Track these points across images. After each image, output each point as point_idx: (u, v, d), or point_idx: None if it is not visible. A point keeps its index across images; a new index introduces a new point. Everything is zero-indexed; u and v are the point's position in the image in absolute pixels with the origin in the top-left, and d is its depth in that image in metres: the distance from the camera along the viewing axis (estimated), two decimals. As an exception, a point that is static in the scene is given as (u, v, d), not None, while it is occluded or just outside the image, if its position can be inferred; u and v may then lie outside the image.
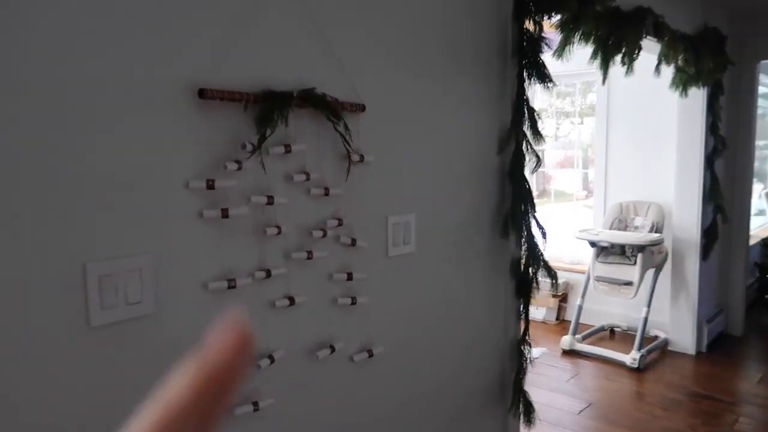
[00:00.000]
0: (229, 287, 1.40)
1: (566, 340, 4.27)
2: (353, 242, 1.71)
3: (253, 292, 1.48)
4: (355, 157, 1.69)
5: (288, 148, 1.51)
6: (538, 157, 2.31)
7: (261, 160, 1.42)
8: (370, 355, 1.79)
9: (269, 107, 1.44)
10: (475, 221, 2.22)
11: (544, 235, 2.33)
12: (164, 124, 1.29)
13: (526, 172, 2.32)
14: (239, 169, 1.39)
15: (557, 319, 5.04)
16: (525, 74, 2.18)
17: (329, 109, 1.58)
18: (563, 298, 5.08)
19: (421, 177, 1.97)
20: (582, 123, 6.12)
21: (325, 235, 1.61)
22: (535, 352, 4.07)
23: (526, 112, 2.22)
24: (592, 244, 4.14)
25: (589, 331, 4.49)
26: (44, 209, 1.12)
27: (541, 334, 4.64)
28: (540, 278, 2.37)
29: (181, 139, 1.32)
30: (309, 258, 1.58)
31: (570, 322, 4.40)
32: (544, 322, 5.00)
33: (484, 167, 2.24)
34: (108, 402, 1.22)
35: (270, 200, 1.47)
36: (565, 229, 4.79)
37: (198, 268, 1.37)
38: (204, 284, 1.37)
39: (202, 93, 1.32)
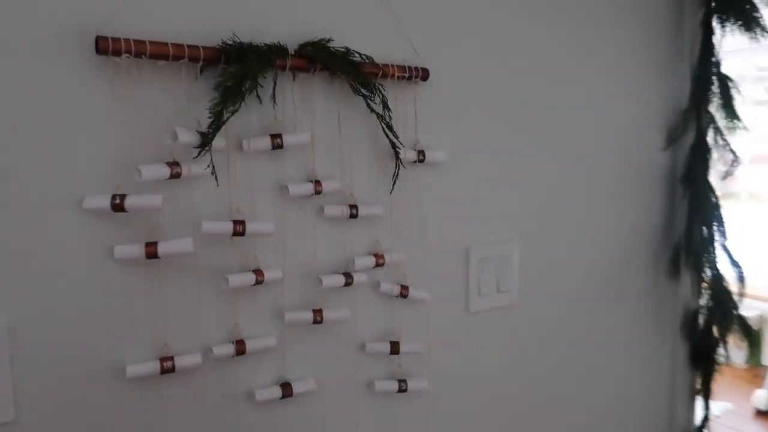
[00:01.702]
0: (164, 371, 0.83)
1: (762, 396, 3.20)
2: (404, 292, 1.05)
3: (211, 381, 0.90)
4: (409, 155, 1.04)
5: (277, 141, 0.90)
6: (733, 153, 1.46)
7: (211, 162, 0.83)
8: (434, 469, 1.13)
9: (239, 72, 0.84)
10: (624, 254, 1.44)
11: (740, 276, 1.48)
12: (35, 101, 0.74)
13: (712, 178, 1.48)
14: (175, 176, 0.81)
15: (750, 361, 3.88)
16: (715, 19, 1.35)
17: (355, 75, 0.95)
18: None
19: (531, 186, 1.25)
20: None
21: (349, 282, 0.98)
22: (716, 407, 3.07)
23: (715, 81, 1.38)
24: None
25: (795, 385, 3.34)
26: None
27: (726, 382, 3.55)
28: (730, 342, 1.52)
29: (67, 127, 0.77)
30: (317, 321, 0.96)
31: (768, 370, 3.30)
32: (728, 365, 3.88)
33: (640, 169, 1.45)
34: None
35: (239, 228, 0.87)
36: (763, 243, 3.65)
37: (113, 342, 0.82)
38: (119, 370, 0.82)
39: (101, 45, 0.75)
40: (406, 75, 1.01)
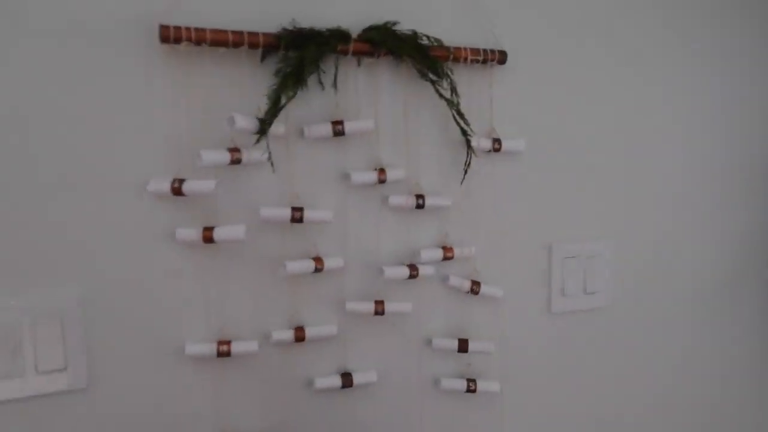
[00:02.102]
0: (220, 354, 0.85)
1: None
2: (475, 288, 1.00)
3: (270, 366, 0.90)
4: (483, 144, 0.98)
5: (339, 128, 0.88)
6: None
7: (267, 148, 0.83)
8: (506, 477, 1.06)
9: (297, 58, 0.83)
10: (732, 258, 1.26)
11: None
12: (101, 90, 0.79)
13: None
14: (235, 162, 0.83)
15: None
16: None
17: (423, 59, 0.91)
18: None
19: (625, 181, 1.13)
20: None
21: (414, 274, 0.94)
22: None
23: None
24: None
25: None
26: None
27: None
28: None
29: (133, 113, 0.80)
30: (379, 313, 0.93)
31: None
32: None
33: (752, 166, 1.27)
34: None
35: (297, 215, 0.86)
36: None
37: (174, 321, 0.85)
38: (179, 349, 0.85)
39: (164, 33, 0.78)
40: (481, 58, 0.96)
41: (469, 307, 1.02)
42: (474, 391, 1.01)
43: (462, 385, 1.01)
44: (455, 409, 1.03)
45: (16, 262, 0.78)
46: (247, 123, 0.81)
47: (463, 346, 1.00)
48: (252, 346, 0.86)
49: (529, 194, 1.05)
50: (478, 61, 0.95)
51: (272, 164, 0.84)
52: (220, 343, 0.86)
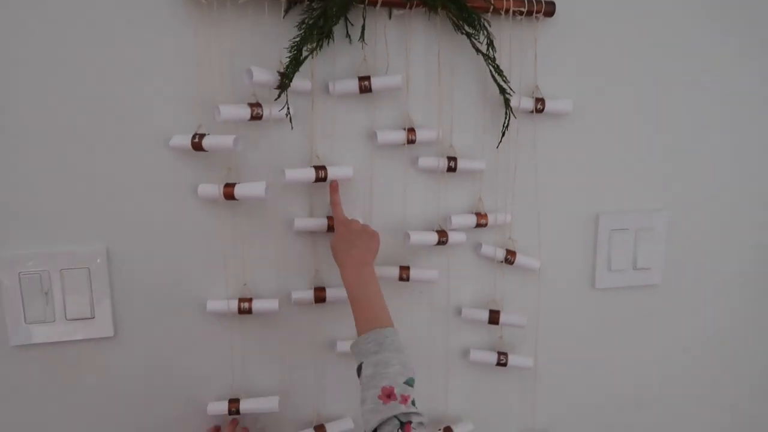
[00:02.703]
0: (241, 312, 0.85)
1: None
2: (510, 257, 0.94)
3: (291, 325, 0.90)
4: (525, 104, 0.91)
5: (365, 84, 0.84)
6: None
7: (287, 104, 0.80)
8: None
9: (320, 9, 0.79)
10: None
11: None
12: (127, 43, 0.78)
13: None
14: (256, 117, 0.81)
15: None
16: None
17: (458, 10, 0.84)
18: None
19: (686, 148, 1.02)
20: None
21: (443, 240, 0.90)
22: None
23: None
24: None
25: None
26: None
27: None
28: None
29: (156, 68, 0.80)
30: (403, 279, 0.90)
31: None
32: None
33: None
34: None
35: (321, 173, 0.84)
36: None
37: (197, 276, 0.86)
38: (201, 303, 0.85)
39: (185, -16, 0.76)
40: (525, 10, 0.88)
41: (503, 277, 0.97)
42: (505, 364, 0.96)
43: (492, 357, 0.96)
44: (484, 383, 0.99)
45: (45, 213, 0.80)
46: (265, 76, 0.78)
47: (494, 317, 0.95)
48: (273, 304, 0.86)
49: (575, 159, 0.97)
50: (521, 13, 0.88)
51: (291, 120, 0.81)
52: (242, 300, 0.85)
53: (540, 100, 0.91)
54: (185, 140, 0.80)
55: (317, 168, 0.84)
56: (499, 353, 0.96)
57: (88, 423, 0.86)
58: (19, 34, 0.75)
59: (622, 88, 0.97)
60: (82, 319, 0.83)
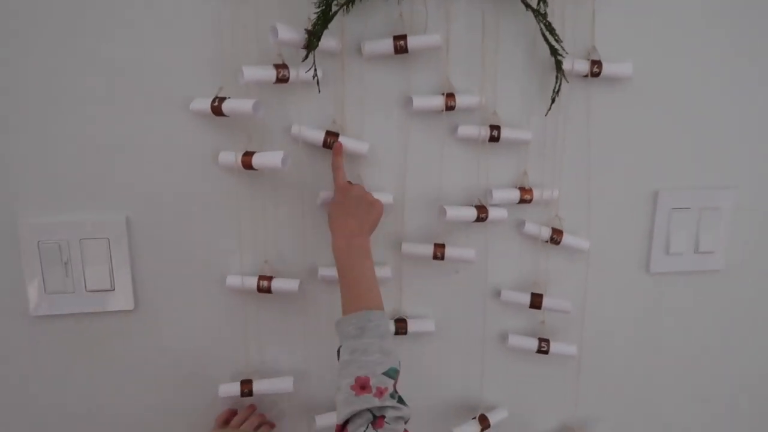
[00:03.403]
0: (260, 290, 0.80)
1: None
2: (556, 236, 0.86)
3: (318, 304, 0.85)
4: (579, 66, 0.81)
5: (401, 44, 0.76)
6: None
7: (314, 65, 0.73)
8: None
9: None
10: None
11: None
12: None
13: None
14: (282, 80, 0.74)
15: None
16: None
17: (507, -39, 0.75)
18: None
19: (753, 118, 0.91)
20: None
21: (483, 216, 0.83)
22: None
23: None
24: None
25: None
26: None
27: None
28: None
29: (175, 26, 0.74)
30: (438, 257, 0.84)
31: None
32: None
33: None
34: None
35: (330, 139, 0.77)
36: None
37: (220, 256, 0.81)
38: (221, 277, 0.81)
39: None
40: (582, -40, 0.78)
41: (548, 259, 0.89)
42: (546, 352, 0.89)
43: (532, 344, 0.89)
44: (522, 370, 0.93)
45: (64, 180, 0.76)
46: (292, 35, 0.71)
47: (536, 301, 0.88)
48: (292, 285, 0.80)
49: (633, 129, 0.88)
50: (578, -36, 0.78)
51: (318, 83, 0.74)
52: (261, 278, 0.81)
53: (596, 63, 0.82)
54: (205, 104, 0.74)
55: (329, 133, 0.77)
56: (540, 339, 0.89)
57: (104, 396, 0.84)
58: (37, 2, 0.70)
59: (689, 54, 0.86)
60: (102, 291, 0.80)
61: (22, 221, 0.77)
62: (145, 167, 0.77)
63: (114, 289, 0.80)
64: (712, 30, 0.86)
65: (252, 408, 0.85)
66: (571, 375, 0.94)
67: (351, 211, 0.72)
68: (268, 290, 0.80)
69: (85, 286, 0.80)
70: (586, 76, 0.82)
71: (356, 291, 0.68)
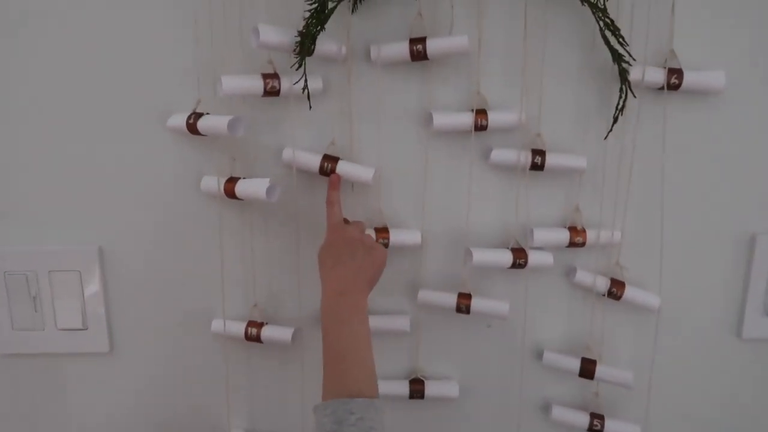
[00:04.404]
0: (249, 338, 0.68)
1: None
2: (617, 290, 0.68)
3: (318, 354, 0.71)
4: (652, 76, 0.63)
5: (418, 48, 0.61)
6: None
7: (304, 74, 0.59)
8: None
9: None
10: None
11: None
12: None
13: None
14: (271, 92, 0.61)
15: None
16: None
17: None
18: None
19: None
20: None
21: (521, 262, 0.66)
22: None
23: None
24: None
25: None
26: None
27: None
28: None
29: (151, 30, 0.63)
30: (462, 310, 0.68)
31: None
32: None
33: None
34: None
35: (327, 165, 0.63)
36: None
37: (204, 292, 0.69)
38: (207, 320, 0.69)
39: None
40: (659, -62, 0.60)
41: (606, 317, 0.71)
42: (600, 431, 0.71)
43: (583, 420, 0.71)
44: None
45: (31, 207, 0.67)
46: (278, 37, 0.58)
47: (587, 369, 0.70)
48: (286, 334, 0.67)
49: (724, 156, 0.68)
50: (653, -55, 0.60)
51: (309, 97, 0.60)
52: (250, 324, 0.68)
53: (676, 72, 0.63)
54: (182, 120, 0.63)
55: (326, 157, 0.63)
56: (593, 415, 0.71)
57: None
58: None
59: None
60: (74, 329, 0.71)
61: (-14, 249, 0.68)
62: (120, 192, 0.67)
63: (87, 329, 0.70)
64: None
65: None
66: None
67: (344, 258, 0.57)
68: (257, 339, 0.68)
69: (56, 324, 0.70)
70: (662, 88, 0.64)
71: (341, 367, 0.52)
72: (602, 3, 0.59)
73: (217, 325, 0.69)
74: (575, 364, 0.70)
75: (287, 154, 0.64)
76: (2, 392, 0.73)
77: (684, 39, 0.64)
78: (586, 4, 0.60)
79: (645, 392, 0.73)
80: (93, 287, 0.69)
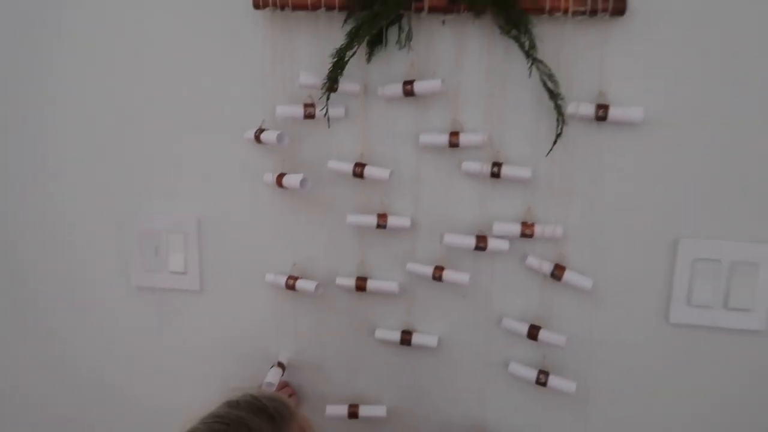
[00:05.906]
0: (288, 287, 0.97)
1: None
2: (558, 272, 0.89)
3: (339, 308, 0.99)
4: (584, 110, 0.84)
5: (408, 88, 0.88)
6: None
7: (326, 104, 0.88)
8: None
9: (364, 17, 0.85)
10: None
11: None
12: (210, 48, 0.95)
13: None
14: (309, 116, 0.91)
15: None
16: None
17: (507, 12, 0.82)
18: None
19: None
20: None
21: (481, 246, 0.89)
22: None
23: None
24: None
25: None
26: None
27: None
28: None
29: (231, 69, 0.95)
30: (436, 278, 0.92)
31: None
32: None
33: None
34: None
35: (358, 170, 0.90)
36: None
37: (264, 254, 1.00)
38: (263, 275, 1.00)
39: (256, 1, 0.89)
40: (587, 9, 0.81)
41: (552, 294, 0.91)
42: (544, 384, 0.91)
43: (531, 374, 0.92)
44: (524, 398, 0.96)
45: (158, 189, 1.02)
46: (312, 80, 0.88)
47: (533, 332, 0.91)
48: (309, 285, 0.96)
49: (651, 174, 0.86)
50: (583, 13, 0.82)
51: (328, 120, 0.89)
52: (289, 278, 0.97)
53: (602, 107, 0.84)
54: (251, 134, 0.94)
55: (357, 164, 0.91)
56: (540, 371, 0.92)
57: (175, 358, 1.07)
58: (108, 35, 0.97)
59: (715, 96, 0.83)
60: (179, 273, 1.04)
61: (127, 211, 1.04)
62: (213, 181, 0.99)
63: (186, 273, 1.04)
64: (737, 76, 0.82)
65: (287, 388, 1.02)
66: (569, 415, 0.95)
67: None
68: (293, 288, 0.97)
69: (168, 267, 1.04)
70: (592, 119, 0.85)
71: None
72: (534, 55, 0.82)
73: (269, 277, 0.99)
74: (524, 329, 0.91)
75: (332, 164, 0.92)
76: (136, 312, 1.08)
77: (616, 84, 0.84)
78: (528, 57, 0.83)
79: (585, 358, 0.92)
80: (193, 244, 1.02)
